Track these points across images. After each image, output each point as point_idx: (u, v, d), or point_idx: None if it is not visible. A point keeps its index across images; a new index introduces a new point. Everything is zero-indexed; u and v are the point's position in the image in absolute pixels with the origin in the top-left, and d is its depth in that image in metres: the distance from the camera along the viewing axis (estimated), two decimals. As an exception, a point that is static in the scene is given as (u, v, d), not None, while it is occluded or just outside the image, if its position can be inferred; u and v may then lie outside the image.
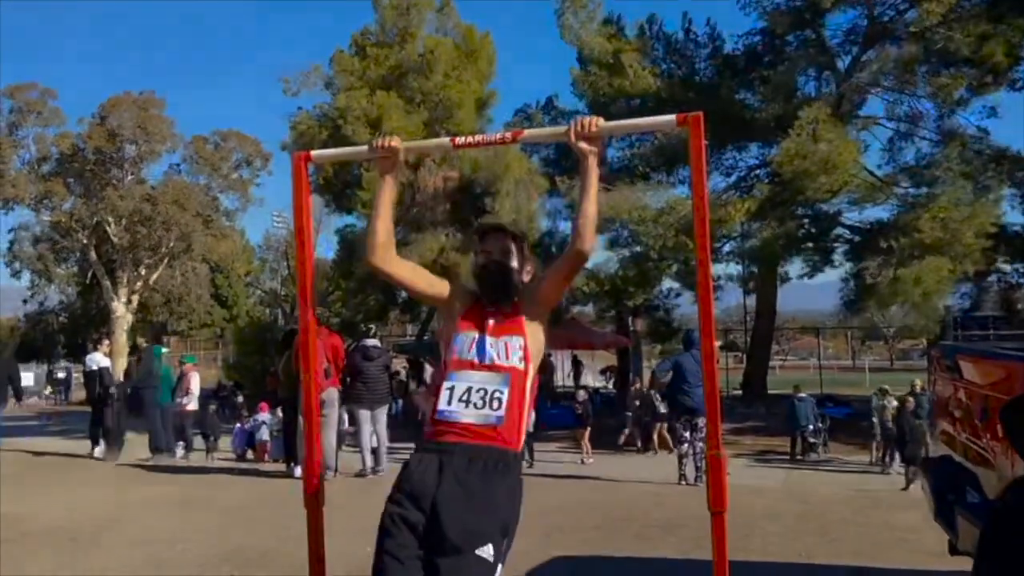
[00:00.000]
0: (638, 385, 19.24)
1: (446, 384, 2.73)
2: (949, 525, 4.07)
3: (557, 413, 17.90)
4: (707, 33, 23.32)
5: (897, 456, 14.28)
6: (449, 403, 2.69)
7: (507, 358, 2.72)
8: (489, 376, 2.69)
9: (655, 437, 16.43)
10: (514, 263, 2.85)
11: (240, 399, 19.63)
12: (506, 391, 2.67)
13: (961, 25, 18.56)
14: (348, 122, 21.14)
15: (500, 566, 2.58)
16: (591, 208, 2.70)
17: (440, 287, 2.95)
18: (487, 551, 2.54)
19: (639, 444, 16.90)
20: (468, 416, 2.66)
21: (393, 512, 2.61)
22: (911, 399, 15.23)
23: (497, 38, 23.91)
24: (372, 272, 2.92)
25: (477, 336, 2.75)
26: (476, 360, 2.72)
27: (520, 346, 2.74)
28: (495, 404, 2.66)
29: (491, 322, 2.77)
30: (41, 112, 33.69)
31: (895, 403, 15.55)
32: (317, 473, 2.96)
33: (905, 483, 13.07)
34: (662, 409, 16.34)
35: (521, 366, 2.73)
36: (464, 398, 2.67)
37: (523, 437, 2.74)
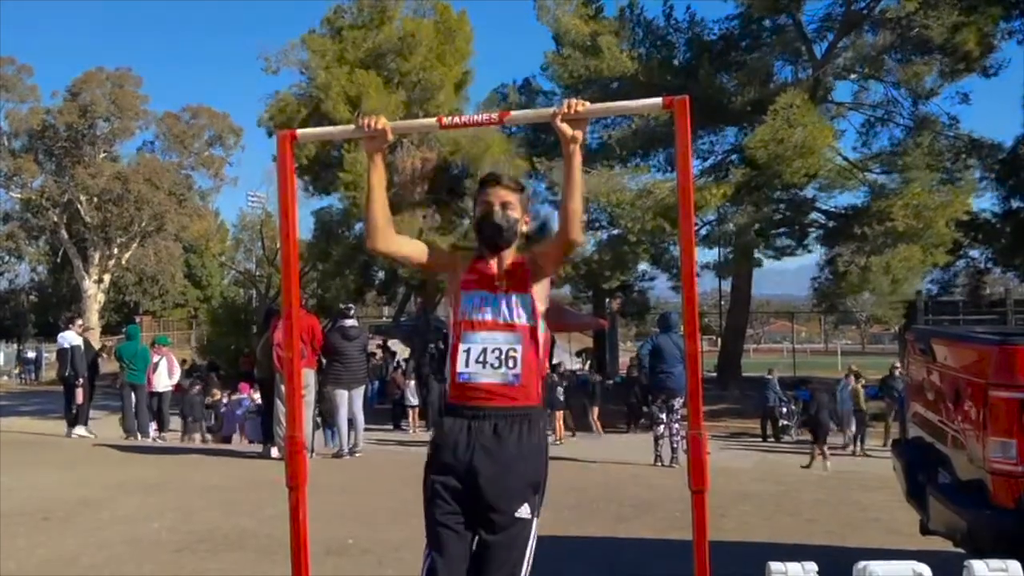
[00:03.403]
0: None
1: (461, 346, 2.79)
2: (921, 505, 4.14)
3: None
4: (687, 18, 23.32)
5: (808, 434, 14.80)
6: (467, 365, 2.77)
7: (517, 316, 2.79)
8: (502, 336, 2.77)
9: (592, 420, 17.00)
10: (514, 213, 2.88)
11: (215, 379, 19.53)
12: (520, 348, 2.76)
13: (935, 14, 18.70)
14: (328, 99, 20.94)
15: (536, 519, 2.79)
16: (578, 197, 2.71)
17: (441, 254, 3.07)
18: (524, 510, 2.74)
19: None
20: (487, 376, 2.75)
21: (436, 481, 2.76)
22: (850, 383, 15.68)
23: (473, 16, 23.75)
24: (375, 255, 2.96)
25: (485, 295, 2.82)
26: (488, 319, 2.79)
27: (528, 303, 2.81)
28: (511, 363, 2.74)
29: (497, 281, 2.83)
30: (14, 88, 33.02)
31: (853, 385, 15.87)
32: (301, 451, 2.95)
33: (809, 460, 13.37)
34: (596, 395, 17.09)
35: (531, 323, 2.80)
36: (480, 359, 2.76)
37: (541, 388, 2.84)
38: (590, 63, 21.60)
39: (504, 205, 2.87)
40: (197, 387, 16.66)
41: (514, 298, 2.81)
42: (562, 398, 16.38)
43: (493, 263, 2.88)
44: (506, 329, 2.78)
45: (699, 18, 23.30)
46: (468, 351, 2.77)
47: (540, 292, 2.86)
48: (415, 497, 2.95)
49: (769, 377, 17.37)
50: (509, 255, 2.90)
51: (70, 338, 12.66)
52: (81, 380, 12.32)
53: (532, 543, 2.77)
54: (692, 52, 22.87)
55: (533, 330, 2.80)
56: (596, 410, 17.57)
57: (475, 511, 2.73)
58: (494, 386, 2.75)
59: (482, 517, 2.73)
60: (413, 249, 2.97)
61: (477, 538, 2.75)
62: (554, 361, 26.33)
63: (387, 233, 2.86)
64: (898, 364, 16.52)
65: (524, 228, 2.93)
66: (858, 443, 15.89)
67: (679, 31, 23.38)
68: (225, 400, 16.17)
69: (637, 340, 28.35)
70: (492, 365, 2.75)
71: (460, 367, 2.78)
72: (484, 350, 2.76)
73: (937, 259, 19.90)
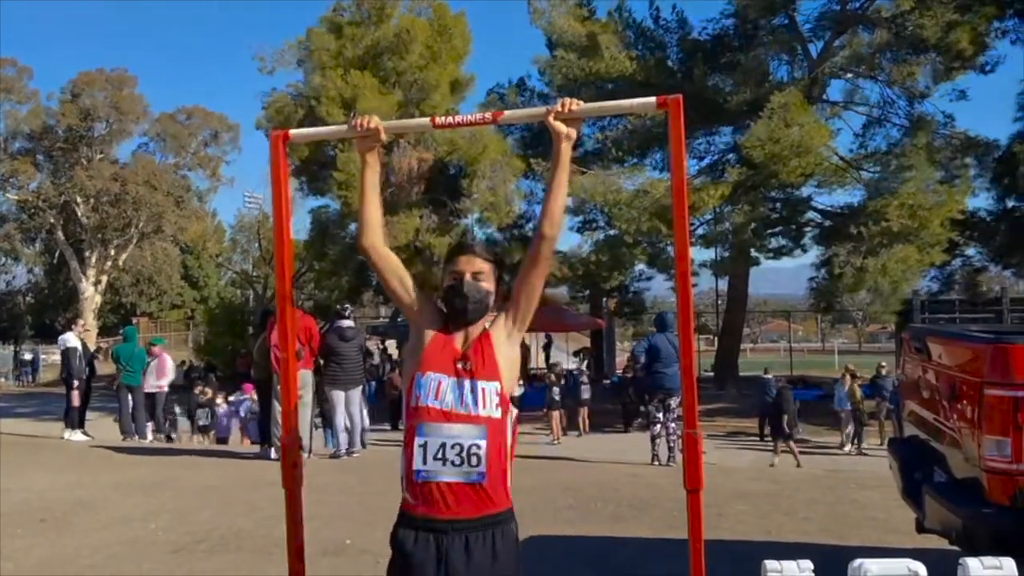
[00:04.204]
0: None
1: (417, 440, 2.48)
2: (917, 504, 4.15)
3: (531, 394, 18.04)
4: (675, 19, 23.37)
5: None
6: (424, 462, 2.47)
7: (482, 406, 2.49)
8: (463, 429, 2.46)
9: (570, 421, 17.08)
10: (486, 284, 2.63)
11: (214, 379, 19.53)
12: (484, 444, 2.46)
13: (930, 12, 18.74)
14: (322, 103, 20.94)
15: None
16: (561, 193, 2.62)
17: (413, 296, 2.70)
18: None
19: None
20: (448, 475, 2.45)
21: None
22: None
23: (470, 16, 23.73)
24: (362, 254, 2.80)
25: (447, 380, 2.51)
26: (448, 409, 2.48)
27: (496, 391, 2.51)
28: (474, 460, 2.44)
29: (459, 363, 2.53)
30: (13, 89, 32.93)
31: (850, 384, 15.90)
32: (296, 451, 2.95)
33: (773, 459, 13.39)
34: (585, 395, 17.13)
35: (498, 414, 2.50)
36: (439, 455, 2.45)
37: (509, 488, 2.55)
38: (586, 64, 21.61)
39: (476, 275, 2.61)
40: (199, 388, 16.66)
41: (480, 384, 2.50)
42: (558, 398, 16.41)
43: (458, 337, 2.59)
44: (468, 421, 2.46)
45: (686, 17, 23.42)
46: (424, 445, 2.46)
47: (511, 369, 2.58)
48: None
49: (767, 377, 17.39)
50: (476, 330, 2.61)
51: (68, 340, 12.65)
52: (76, 383, 12.30)
53: None
54: (685, 53, 22.91)
55: (500, 422, 2.50)
56: (585, 410, 17.63)
57: None
58: (457, 487, 2.45)
59: None
60: (394, 271, 2.71)
61: None
62: (552, 361, 26.41)
63: (377, 234, 2.71)
64: (884, 363, 16.60)
65: (491, 301, 2.65)
66: (855, 442, 15.90)
67: (669, 31, 23.43)
68: (220, 400, 16.15)
69: (634, 340, 28.31)
70: (452, 463, 2.44)
71: (416, 463, 2.47)
72: (443, 445, 2.45)
73: (933, 258, 19.94)
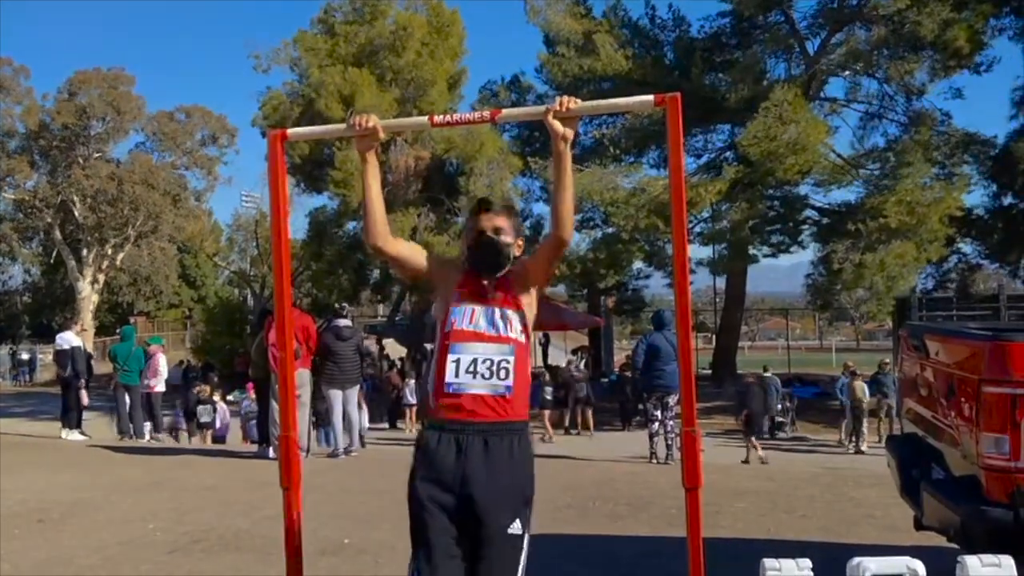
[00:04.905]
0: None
1: (450, 356, 2.71)
2: (915, 501, 4.15)
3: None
4: (671, 17, 23.38)
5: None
6: (456, 375, 2.69)
7: (510, 328, 2.74)
8: (495, 347, 2.71)
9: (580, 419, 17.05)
10: (507, 238, 2.84)
11: (215, 379, 19.52)
12: (512, 361, 2.71)
13: (927, 10, 18.74)
14: (321, 96, 20.90)
15: (527, 535, 2.74)
16: (568, 196, 2.73)
17: (436, 260, 2.99)
18: (516, 526, 2.70)
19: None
20: (477, 387, 2.68)
21: (424, 495, 2.68)
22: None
23: (465, 14, 23.78)
24: (372, 252, 2.93)
25: (479, 308, 2.76)
26: (480, 331, 2.73)
27: (521, 320, 2.77)
28: (503, 374, 2.69)
29: (489, 294, 2.78)
30: (9, 89, 32.81)
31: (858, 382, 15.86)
32: (294, 451, 2.95)
33: (746, 455, 13.39)
34: (580, 393, 17.14)
35: (523, 339, 2.77)
36: (471, 369, 2.68)
37: (528, 406, 2.80)
38: (584, 62, 21.61)
39: (496, 230, 2.83)
40: (199, 387, 16.64)
41: (508, 311, 2.76)
42: (550, 398, 16.51)
43: (484, 279, 2.83)
44: (499, 341, 2.72)
45: (683, 15, 23.45)
46: (458, 361, 2.70)
47: (530, 308, 2.83)
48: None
49: (767, 375, 17.41)
50: (500, 275, 2.85)
51: (70, 339, 12.62)
52: (83, 381, 12.29)
53: (525, 559, 2.73)
54: (681, 51, 22.90)
55: (524, 346, 2.76)
56: (579, 409, 17.61)
57: (466, 527, 2.67)
58: (484, 398, 2.68)
59: (473, 533, 2.66)
60: (410, 252, 2.94)
61: (469, 555, 2.67)
62: (549, 361, 26.42)
63: (385, 232, 2.84)
64: (888, 361, 16.60)
65: (517, 252, 2.89)
66: (854, 440, 15.91)
67: (665, 29, 23.43)
68: (217, 399, 16.13)
69: (633, 338, 28.35)
70: (483, 376, 2.68)
71: (449, 377, 2.70)
72: (475, 360, 2.69)
73: (931, 255, 19.96)
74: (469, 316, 2.75)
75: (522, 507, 2.73)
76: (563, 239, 2.78)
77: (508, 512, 2.68)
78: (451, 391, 2.69)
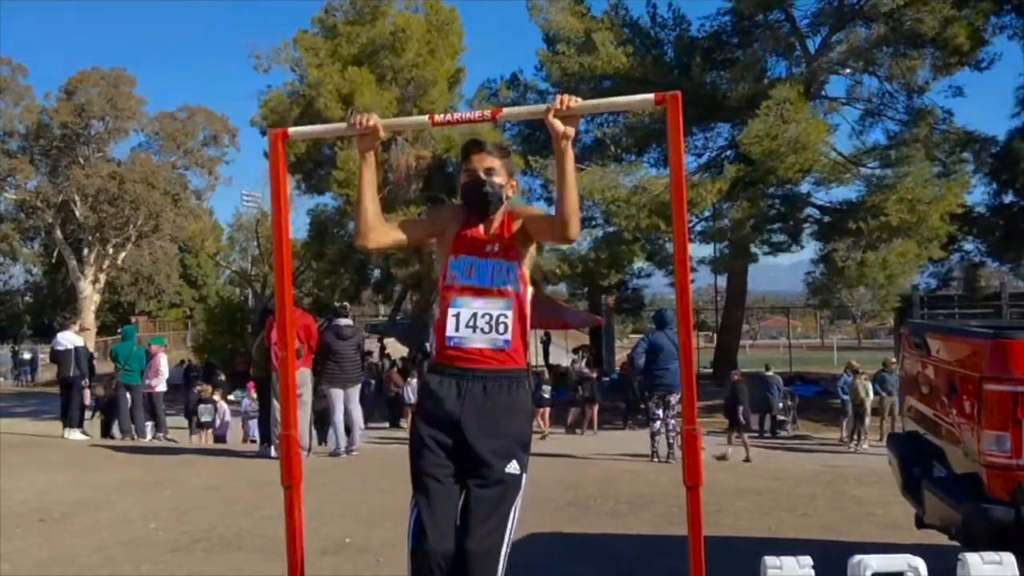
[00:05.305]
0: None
1: (451, 311, 2.81)
2: (916, 499, 4.14)
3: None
4: (672, 16, 23.35)
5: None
6: (457, 329, 2.79)
7: (508, 281, 2.82)
8: (492, 301, 2.80)
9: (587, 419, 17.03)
10: (498, 179, 2.88)
11: (218, 378, 19.52)
12: (510, 315, 2.80)
13: (927, 8, 18.72)
14: (321, 96, 20.90)
15: (524, 476, 2.82)
16: (572, 194, 2.72)
17: (426, 223, 3.11)
18: (513, 466, 2.77)
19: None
20: (477, 341, 2.79)
21: (424, 433, 2.79)
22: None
23: (464, 13, 23.80)
24: (367, 252, 2.96)
25: (476, 261, 2.84)
26: (477, 285, 2.81)
27: (517, 269, 2.85)
28: (501, 328, 2.79)
29: (487, 247, 2.85)
30: (8, 88, 32.80)
31: (863, 380, 15.82)
32: (296, 450, 2.95)
33: (725, 452, 13.38)
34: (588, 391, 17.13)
35: (520, 289, 2.84)
36: (471, 324, 2.79)
37: (527, 353, 2.88)
38: (584, 60, 21.59)
39: (488, 171, 2.87)
40: (199, 386, 16.65)
41: (504, 265, 2.83)
42: (548, 396, 16.56)
43: (481, 227, 2.90)
44: (497, 295, 2.81)
45: (683, 14, 23.44)
46: (458, 316, 2.79)
47: (528, 260, 2.91)
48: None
49: (768, 374, 17.40)
50: (497, 218, 2.91)
51: (71, 339, 12.62)
52: (87, 380, 12.32)
53: (520, 499, 2.80)
54: (682, 49, 22.89)
55: (521, 297, 2.84)
56: (576, 409, 17.66)
57: (464, 465, 2.75)
58: (484, 350, 2.78)
59: (471, 472, 2.75)
60: (400, 233, 2.97)
61: (465, 492, 2.76)
62: (551, 361, 26.42)
63: (377, 232, 2.87)
64: (893, 360, 16.55)
65: (511, 193, 2.94)
66: (855, 438, 15.91)
67: (666, 28, 23.42)
68: (218, 398, 16.14)
69: (633, 336, 28.34)
70: (482, 330, 2.78)
71: (450, 331, 2.80)
72: (474, 315, 2.79)
73: (932, 253, 19.94)
74: (467, 270, 2.83)
75: (519, 449, 2.80)
76: (569, 238, 2.80)
77: (506, 453, 2.76)
78: (452, 344, 2.80)
